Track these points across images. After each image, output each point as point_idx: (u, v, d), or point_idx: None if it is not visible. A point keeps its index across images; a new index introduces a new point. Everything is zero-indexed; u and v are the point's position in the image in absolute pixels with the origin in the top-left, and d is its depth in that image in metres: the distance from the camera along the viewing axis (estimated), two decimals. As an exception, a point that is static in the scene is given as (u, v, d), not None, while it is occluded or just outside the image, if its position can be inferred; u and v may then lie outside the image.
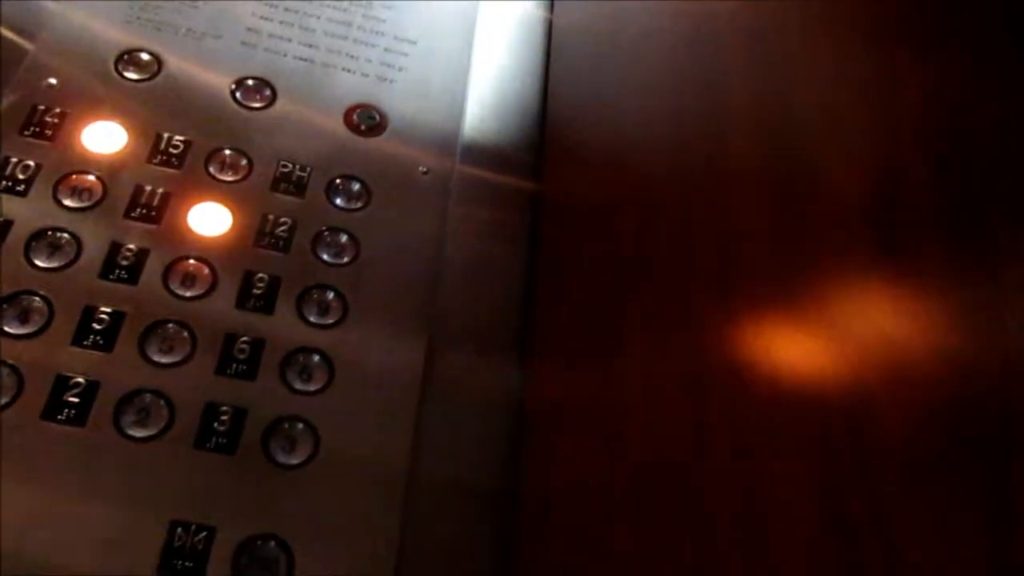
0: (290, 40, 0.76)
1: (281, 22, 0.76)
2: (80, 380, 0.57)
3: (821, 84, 0.35)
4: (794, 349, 0.34)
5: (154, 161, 0.66)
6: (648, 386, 0.46)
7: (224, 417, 0.57)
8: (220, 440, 0.57)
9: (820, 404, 0.31)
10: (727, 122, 0.43)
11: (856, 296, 0.31)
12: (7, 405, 0.55)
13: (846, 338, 0.31)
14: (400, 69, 0.77)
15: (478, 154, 0.74)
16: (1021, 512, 0.22)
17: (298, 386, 0.60)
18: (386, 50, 0.77)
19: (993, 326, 0.24)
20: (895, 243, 0.29)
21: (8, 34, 0.69)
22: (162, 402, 0.57)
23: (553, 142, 0.75)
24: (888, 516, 0.26)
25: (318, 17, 0.78)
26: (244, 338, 0.60)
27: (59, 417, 0.55)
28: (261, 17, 0.76)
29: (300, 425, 0.58)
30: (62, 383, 0.56)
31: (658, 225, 0.50)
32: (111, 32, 0.72)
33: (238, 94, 0.71)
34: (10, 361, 0.56)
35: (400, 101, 0.75)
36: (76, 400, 0.56)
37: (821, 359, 0.32)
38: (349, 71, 0.75)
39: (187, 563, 0.53)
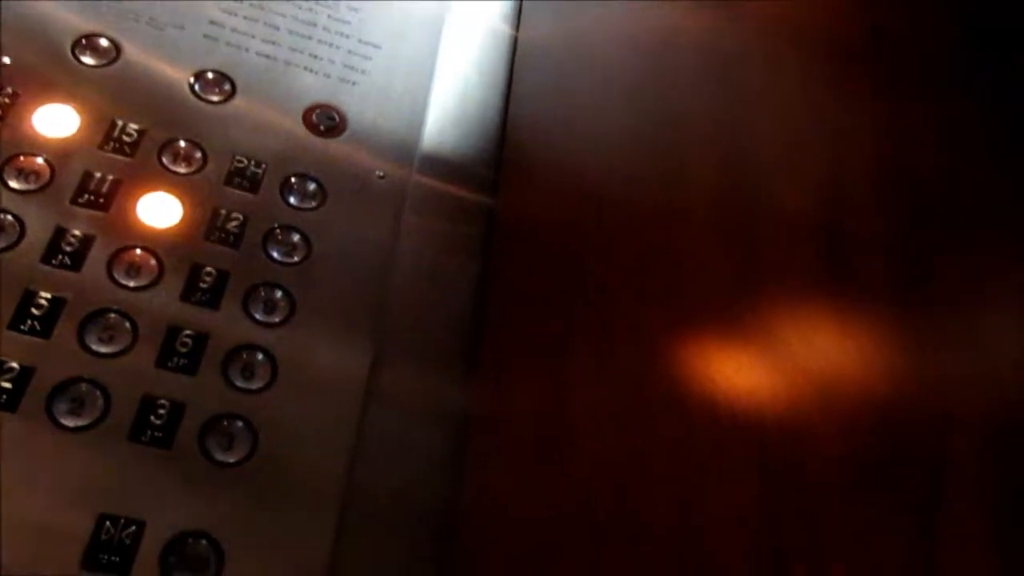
0: (253, 36, 0.75)
1: (245, 17, 0.76)
2: (14, 365, 0.55)
3: (778, 109, 0.36)
4: (737, 370, 0.34)
5: (106, 148, 0.65)
6: (592, 403, 0.47)
7: (161, 411, 0.56)
8: (156, 434, 0.56)
9: (759, 423, 0.32)
10: (683, 144, 0.44)
11: (799, 318, 0.31)
12: (-65, 387, 0.53)
13: (787, 358, 0.31)
14: (363, 72, 0.76)
15: (436, 164, 0.74)
16: (947, 531, 0.23)
17: (240, 383, 0.59)
18: (350, 52, 0.77)
19: (929, 348, 0.25)
20: (840, 267, 0.30)
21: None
22: (98, 392, 0.56)
23: (511, 158, 0.75)
24: (820, 534, 0.27)
25: (283, 15, 0.77)
26: (187, 332, 0.59)
27: (-11, 402, 0.54)
28: (225, 11, 0.76)
29: (239, 423, 0.58)
30: (-6, 367, 0.55)
31: (610, 244, 0.50)
32: (70, 15, 0.71)
33: (197, 86, 0.71)
34: (-59, 342, 0.55)
35: (361, 104, 0.75)
36: (8, 386, 0.54)
37: (763, 380, 0.33)
38: (311, 71, 0.75)
39: (113, 557, 0.52)
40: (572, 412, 0.49)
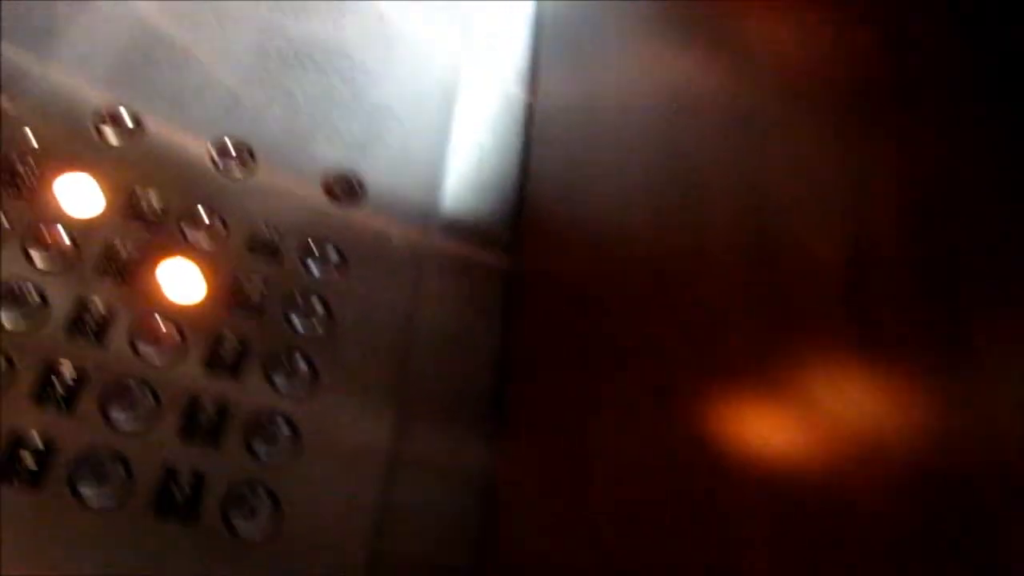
0: (272, 106, 0.76)
1: (264, 88, 0.77)
2: (37, 440, 0.55)
3: (798, 160, 0.36)
4: (769, 425, 0.34)
5: (128, 220, 0.65)
6: (618, 459, 0.46)
7: (184, 483, 0.56)
8: (178, 506, 0.55)
9: (795, 480, 0.31)
10: (705, 200, 0.44)
11: (830, 372, 0.31)
12: (-42, 464, 0.53)
13: (820, 414, 0.31)
14: (380, 139, 0.77)
15: (455, 228, 0.75)
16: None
17: (263, 454, 0.58)
18: (367, 120, 0.78)
19: (965, 401, 0.24)
20: (869, 320, 0.29)
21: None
22: (120, 465, 0.55)
23: (530, 219, 0.76)
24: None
25: (301, 85, 0.78)
26: (210, 402, 0.59)
27: (13, 479, 0.53)
28: (244, 82, 0.77)
29: (263, 493, 0.57)
30: (18, 443, 0.54)
31: (634, 302, 0.50)
32: (92, 90, 0.72)
33: (217, 157, 0.71)
34: (-35, 419, 0.54)
35: (379, 171, 0.75)
36: (31, 460, 0.54)
37: (795, 435, 0.32)
38: (329, 139, 0.76)
39: (136, 636, 0.51)
40: (601, 470, 0.48)
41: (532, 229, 0.74)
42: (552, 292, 0.65)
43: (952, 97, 0.29)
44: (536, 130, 0.83)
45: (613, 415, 0.48)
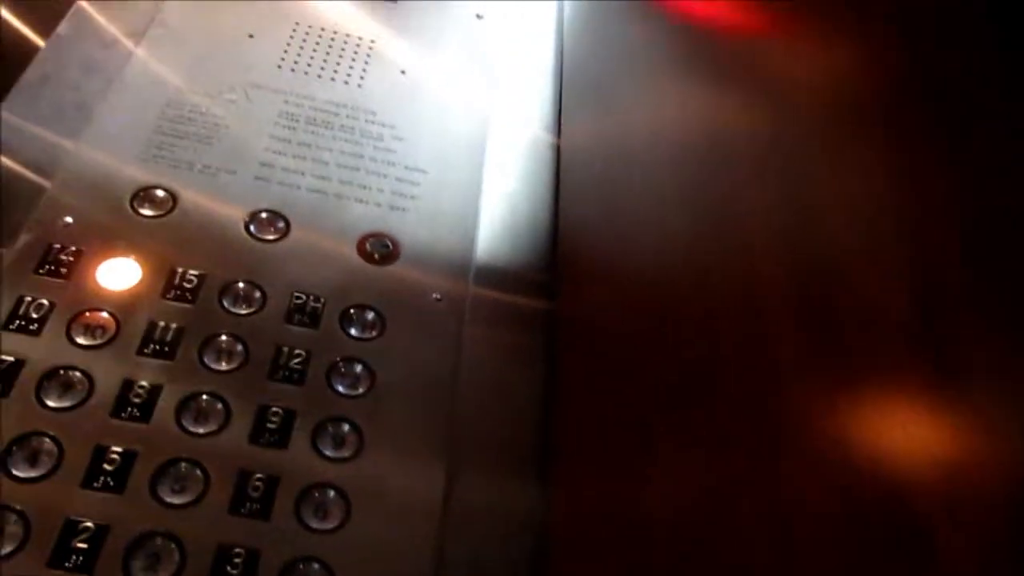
0: (303, 173, 0.76)
1: (294, 156, 0.78)
2: (89, 524, 0.55)
3: (847, 196, 0.35)
4: (839, 477, 0.32)
5: (168, 296, 0.66)
6: (678, 510, 0.45)
7: (237, 560, 0.55)
8: (233, 584, 0.54)
9: (872, 528, 0.29)
10: (748, 237, 0.43)
11: (903, 418, 0.29)
12: (12, 553, 0.53)
13: (895, 463, 0.29)
14: (412, 198, 0.77)
15: (491, 277, 0.74)
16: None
17: (314, 524, 0.58)
18: (398, 180, 0.78)
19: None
20: (942, 360, 0.28)
21: (26, 173, 0.70)
22: (173, 545, 0.55)
23: (567, 262, 0.75)
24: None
25: (330, 150, 0.79)
26: (258, 475, 0.59)
27: (66, 564, 0.53)
28: (275, 152, 0.77)
29: (316, 565, 0.56)
30: (70, 528, 0.54)
31: (681, 344, 0.49)
32: (127, 169, 0.73)
33: (252, 227, 0.72)
34: (17, 506, 0.54)
35: (412, 229, 0.75)
36: (84, 546, 0.54)
37: (870, 486, 0.30)
38: (361, 201, 0.76)
39: None
40: (657, 517, 0.46)
41: (569, 271, 0.74)
42: (593, 334, 0.65)
43: (1010, 107, 0.27)
44: (565, 173, 0.83)
45: (668, 461, 0.47)
